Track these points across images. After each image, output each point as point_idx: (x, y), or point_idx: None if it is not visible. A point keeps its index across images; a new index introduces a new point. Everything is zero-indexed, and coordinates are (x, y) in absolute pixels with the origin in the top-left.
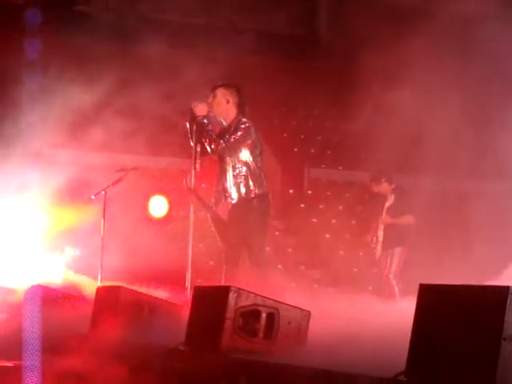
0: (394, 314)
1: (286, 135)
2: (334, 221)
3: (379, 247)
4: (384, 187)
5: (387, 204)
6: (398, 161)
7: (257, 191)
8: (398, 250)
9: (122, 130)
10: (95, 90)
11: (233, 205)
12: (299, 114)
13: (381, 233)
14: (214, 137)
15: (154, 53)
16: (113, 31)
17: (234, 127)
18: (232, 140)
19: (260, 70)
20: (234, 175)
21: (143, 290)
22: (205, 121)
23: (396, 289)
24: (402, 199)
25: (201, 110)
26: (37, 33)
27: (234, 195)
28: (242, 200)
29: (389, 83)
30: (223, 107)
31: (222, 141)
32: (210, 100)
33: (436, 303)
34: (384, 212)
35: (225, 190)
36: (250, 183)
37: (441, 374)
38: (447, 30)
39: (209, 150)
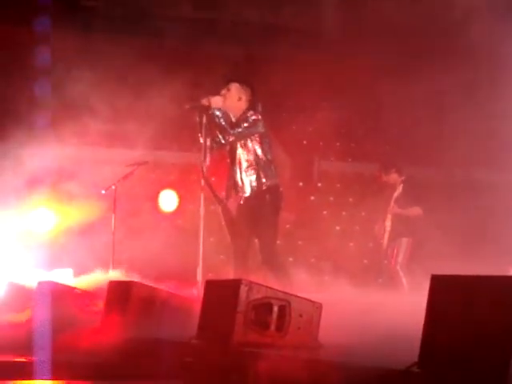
0: (406, 305)
1: (294, 128)
2: (344, 213)
3: (386, 237)
4: (393, 177)
5: (395, 194)
6: (407, 152)
7: (268, 183)
8: (404, 241)
9: (132, 124)
10: (104, 86)
11: (245, 198)
12: (307, 106)
13: (388, 223)
14: (227, 127)
15: (162, 47)
16: (120, 26)
17: (242, 120)
18: (241, 130)
19: (267, 62)
20: (244, 168)
21: (154, 284)
22: (217, 113)
23: (404, 280)
24: (411, 191)
25: (216, 101)
26: (44, 28)
27: (247, 188)
28: (254, 193)
29: (395, 76)
30: (235, 102)
31: (232, 131)
32: (224, 92)
33: (448, 294)
34: (392, 202)
35: (236, 184)
36: (261, 175)
37: (454, 365)
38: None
39: (222, 141)
